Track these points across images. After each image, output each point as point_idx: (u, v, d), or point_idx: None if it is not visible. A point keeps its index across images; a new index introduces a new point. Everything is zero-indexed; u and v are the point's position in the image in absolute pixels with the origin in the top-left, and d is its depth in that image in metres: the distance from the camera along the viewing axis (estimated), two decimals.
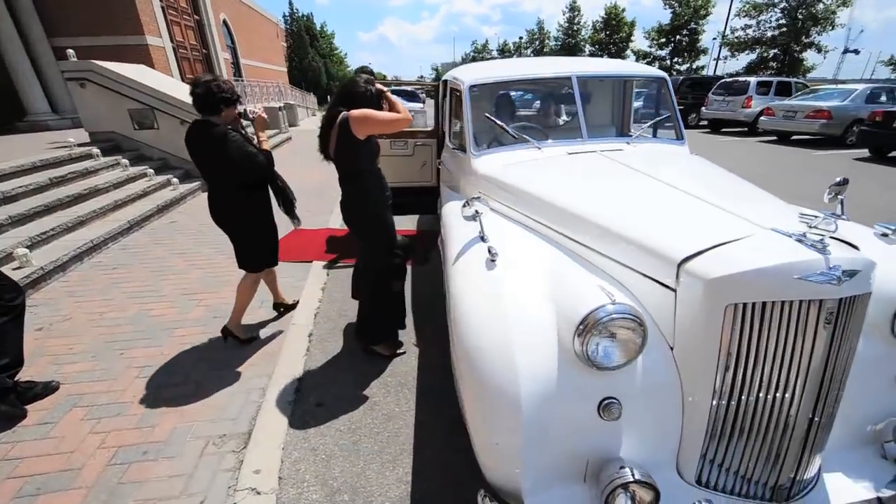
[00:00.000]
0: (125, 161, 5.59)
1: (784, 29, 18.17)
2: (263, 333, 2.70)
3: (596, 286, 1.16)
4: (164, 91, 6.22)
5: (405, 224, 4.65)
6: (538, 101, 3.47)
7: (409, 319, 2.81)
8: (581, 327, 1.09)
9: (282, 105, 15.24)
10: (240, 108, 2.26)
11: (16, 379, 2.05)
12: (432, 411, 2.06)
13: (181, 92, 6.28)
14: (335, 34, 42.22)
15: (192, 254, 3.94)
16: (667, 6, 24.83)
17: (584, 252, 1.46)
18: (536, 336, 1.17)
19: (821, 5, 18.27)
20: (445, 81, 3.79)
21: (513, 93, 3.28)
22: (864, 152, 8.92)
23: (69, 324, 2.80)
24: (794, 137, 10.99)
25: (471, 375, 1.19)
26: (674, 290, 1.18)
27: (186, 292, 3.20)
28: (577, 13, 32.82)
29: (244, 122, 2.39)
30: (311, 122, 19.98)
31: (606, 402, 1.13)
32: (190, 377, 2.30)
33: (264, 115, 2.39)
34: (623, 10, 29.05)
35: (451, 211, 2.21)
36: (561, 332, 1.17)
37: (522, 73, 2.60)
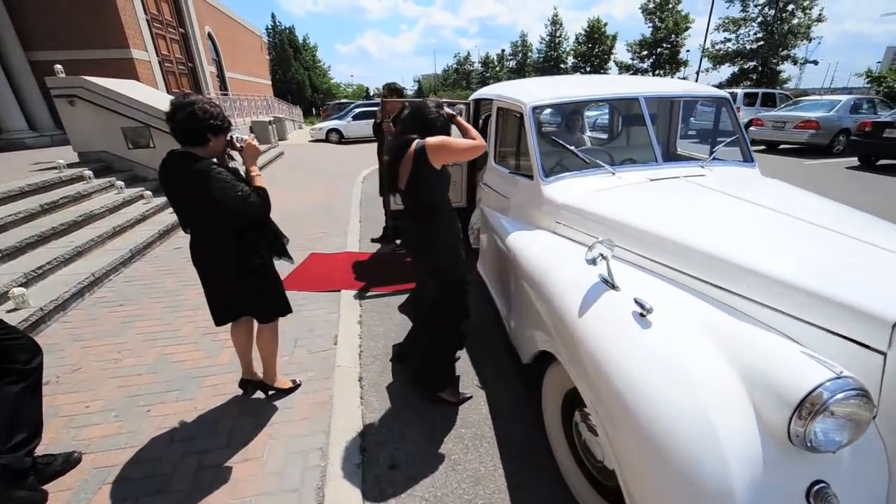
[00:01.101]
0: (120, 183, 5.22)
1: (762, 43, 19.11)
2: (305, 378, 2.43)
3: (804, 354, 0.99)
4: (159, 107, 5.88)
5: None
6: (590, 122, 3.34)
7: (465, 357, 2.60)
8: (803, 408, 0.91)
9: (271, 119, 14.90)
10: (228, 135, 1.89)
11: (33, 455, 1.73)
12: (524, 470, 1.83)
13: None
14: (318, 47, 42.07)
15: None
16: (647, 21, 25.89)
17: (744, 305, 1.28)
18: (735, 414, 0.99)
19: (796, 20, 19.27)
20: (478, 101, 3.65)
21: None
22: (852, 161, 9.20)
23: (81, 375, 2.47)
24: (782, 147, 11.30)
25: (658, 460, 0.99)
26: (883, 354, 1.02)
27: (209, 331, 2.90)
28: (558, 26, 33.72)
29: (231, 152, 1.95)
30: (299, 135, 19.64)
31: (817, 486, 0.95)
32: (234, 437, 2.02)
33: (255, 142, 1.95)
34: (605, 25, 30.05)
35: (525, 242, 2.03)
36: (762, 409, 0.99)
37: (587, 93, 2.46)
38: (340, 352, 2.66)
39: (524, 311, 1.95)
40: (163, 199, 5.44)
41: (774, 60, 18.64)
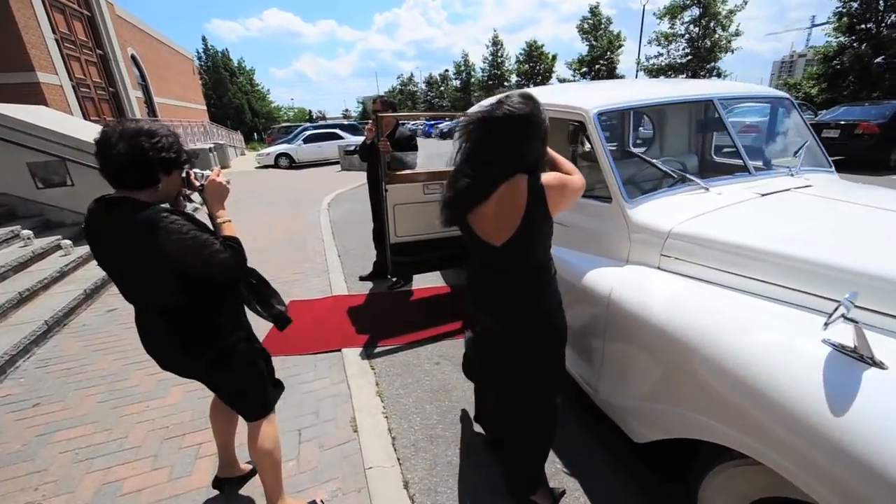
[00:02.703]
0: (27, 232, 4.13)
1: (690, 57, 21.01)
2: (327, 492, 1.74)
3: None
4: (77, 136, 4.86)
5: (427, 281, 3.83)
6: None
7: None
8: None
9: (211, 146, 13.65)
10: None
11: None
12: None
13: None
14: (255, 70, 40.29)
15: None
16: (584, 40, 27.62)
17: None
18: None
19: (717, 36, 21.39)
20: None
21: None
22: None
23: None
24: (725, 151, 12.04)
25: None
26: None
27: (170, 434, 2.10)
28: (499, 47, 34.98)
29: (188, 192, 1.39)
30: (243, 161, 18.28)
31: None
32: None
33: (221, 177, 1.40)
34: (542, 46, 31.62)
35: (631, 286, 1.54)
36: None
37: (654, 96, 2.06)
38: (366, 443, 1.99)
39: (643, 380, 1.45)
40: (86, 248, 4.39)
41: (703, 73, 20.54)
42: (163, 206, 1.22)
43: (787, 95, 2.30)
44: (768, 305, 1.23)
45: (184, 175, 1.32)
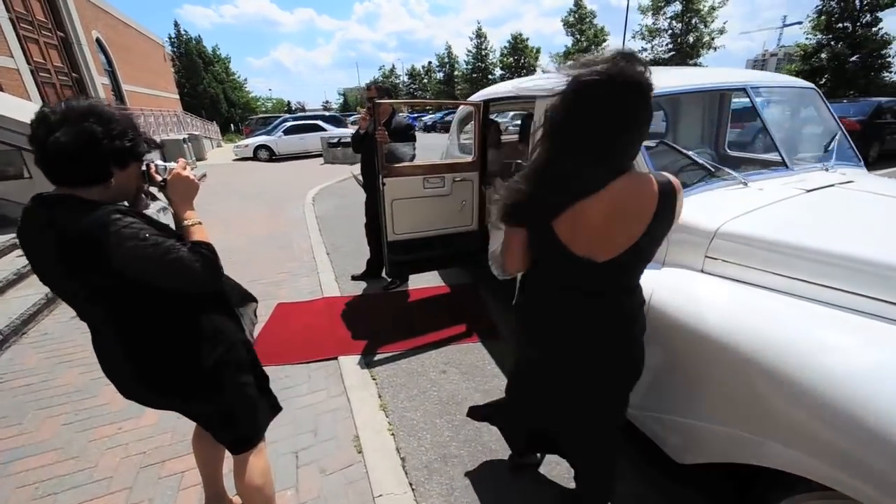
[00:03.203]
0: None
1: (673, 53, 21.27)
2: None
3: None
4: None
5: (424, 280, 3.63)
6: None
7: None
8: None
9: (185, 137, 13.00)
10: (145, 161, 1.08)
11: None
12: None
13: None
14: (231, 58, 38.76)
15: None
16: (568, 33, 27.67)
17: None
18: None
19: (700, 32, 21.70)
20: (487, 102, 3.00)
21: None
22: (774, 156, 10.10)
23: None
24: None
25: None
26: None
27: (147, 461, 1.86)
28: (483, 39, 34.67)
29: (150, 188, 1.15)
30: (219, 153, 17.54)
31: None
32: None
33: (189, 170, 1.16)
34: (527, 39, 31.51)
35: (674, 293, 1.38)
36: None
37: (685, 83, 1.89)
38: (373, 465, 1.80)
39: (692, 397, 1.30)
40: None
41: None
42: (116, 206, 0.96)
43: (813, 86, 2.18)
44: (847, 316, 1.09)
45: (143, 168, 1.07)
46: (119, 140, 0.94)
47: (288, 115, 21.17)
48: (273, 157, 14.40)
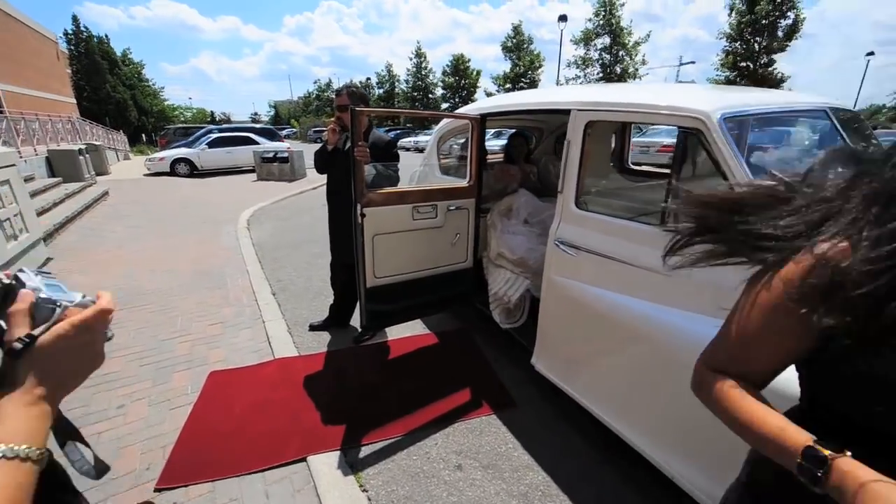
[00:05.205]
0: None
1: (603, 81, 23.14)
2: None
3: None
4: None
5: (407, 326, 2.97)
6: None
7: None
8: None
9: (82, 147, 10.99)
10: None
11: None
12: None
13: None
14: (144, 63, 34.83)
15: None
16: (507, 58, 28.85)
17: None
18: None
19: (626, 63, 24.05)
20: (484, 116, 2.53)
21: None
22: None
23: None
24: (644, 168, 13.05)
25: None
26: None
27: None
28: (423, 59, 34.92)
29: None
30: (127, 167, 15.24)
31: None
32: None
33: (110, 316, 0.52)
34: (468, 60, 32.34)
35: None
36: None
37: (770, 103, 1.54)
38: None
39: None
40: None
41: None
42: None
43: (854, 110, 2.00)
44: None
45: None
46: None
47: (213, 126, 19.23)
48: (195, 171, 12.75)
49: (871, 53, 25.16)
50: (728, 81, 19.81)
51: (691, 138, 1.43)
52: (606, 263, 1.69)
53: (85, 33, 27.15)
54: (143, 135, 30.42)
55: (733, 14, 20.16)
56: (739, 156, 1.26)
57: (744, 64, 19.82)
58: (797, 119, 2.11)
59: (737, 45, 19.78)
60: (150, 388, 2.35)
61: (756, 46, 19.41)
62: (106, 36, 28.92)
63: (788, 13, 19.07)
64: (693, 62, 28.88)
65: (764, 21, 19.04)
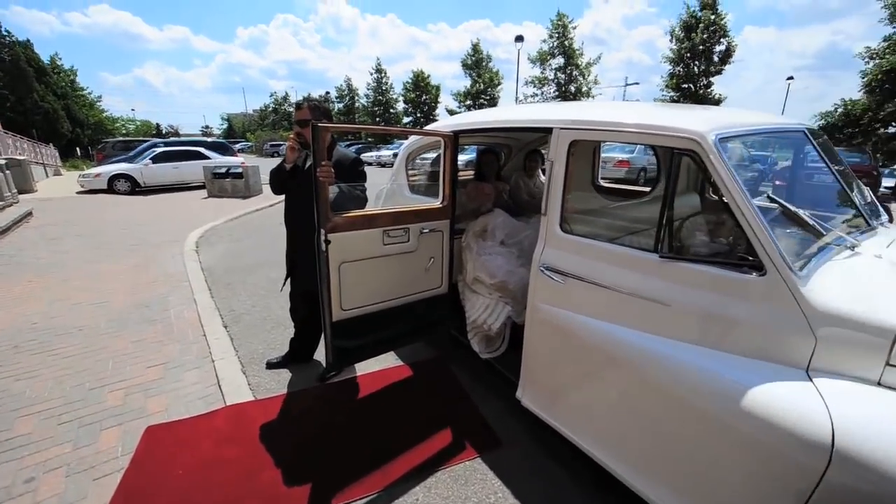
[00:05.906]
0: None
1: (560, 99, 24.15)
2: None
3: None
4: None
5: (379, 362, 2.71)
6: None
7: None
8: None
9: (1, 162, 9.86)
10: None
11: None
12: None
13: None
14: (77, 71, 32.26)
15: None
16: (467, 74, 29.49)
17: None
18: None
19: (580, 83, 25.29)
20: (457, 133, 2.41)
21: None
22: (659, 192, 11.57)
23: None
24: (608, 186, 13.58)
25: None
26: None
27: None
28: (383, 74, 34.91)
29: None
30: (57, 184, 13.86)
31: None
32: None
33: None
34: (428, 76, 32.63)
35: None
36: None
37: (754, 123, 1.50)
38: None
39: None
40: None
41: None
42: None
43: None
44: None
45: None
46: None
47: (158, 140, 17.98)
48: (136, 188, 11.77)
49: (791, 78, 28.15)
50: (673, 101, 21.54)
51: (681, 158, 1.35)
52: (597, 291, 1.58)
53: (7, 38, 24.80)
54: (78, 148, 28.00)
55: (673, 40, 21.89)
56: (735, 174, 1.20)
57: (686, 85, 21.62)
58: (777, 138, 2.15)
59: (678, 68, 21.51)
60: (70, 452, 1.96)
61: (696, 69, 21.20)
62: (28, 41, 26.47)
63: (721, 40, 20.97)
64: (637, 83, 31.12)
65: (700, 47, 20.83)
